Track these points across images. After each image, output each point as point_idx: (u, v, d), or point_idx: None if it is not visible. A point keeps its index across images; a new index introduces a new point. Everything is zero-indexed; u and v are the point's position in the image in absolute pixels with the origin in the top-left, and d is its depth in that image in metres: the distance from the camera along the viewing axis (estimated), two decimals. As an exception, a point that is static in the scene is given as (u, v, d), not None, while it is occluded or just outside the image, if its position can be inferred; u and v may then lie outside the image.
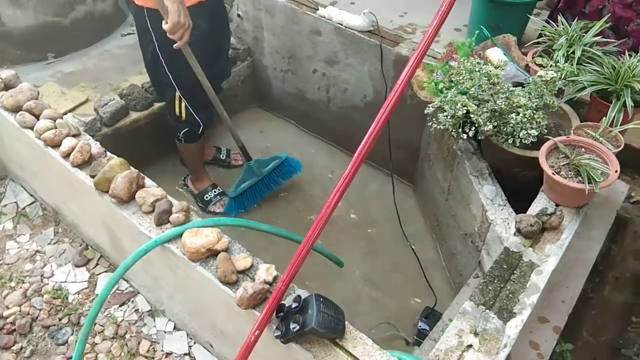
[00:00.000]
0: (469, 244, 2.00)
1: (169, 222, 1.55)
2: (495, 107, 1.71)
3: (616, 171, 1.53)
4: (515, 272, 1.47)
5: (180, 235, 1.50)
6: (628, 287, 2.09)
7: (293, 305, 1.26)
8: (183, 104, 2.22)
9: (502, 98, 1.72)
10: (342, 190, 1.21)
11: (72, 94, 2.59)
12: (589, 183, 1.50)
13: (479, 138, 1.78)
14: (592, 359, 1.86)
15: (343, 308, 1.31)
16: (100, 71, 2.90)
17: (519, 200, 1.80)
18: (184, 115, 2.26)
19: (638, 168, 2.31)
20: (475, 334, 1.32)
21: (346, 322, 1.30)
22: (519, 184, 1.87)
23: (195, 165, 2.62)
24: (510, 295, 1.40)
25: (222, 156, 2.85)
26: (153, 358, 1.78)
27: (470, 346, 1.29)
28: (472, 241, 1.96)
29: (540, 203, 1.65)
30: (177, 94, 2.19)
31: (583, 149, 1.63)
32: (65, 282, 2.01)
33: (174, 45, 1.87)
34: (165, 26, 1.82)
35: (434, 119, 1.85)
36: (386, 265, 2.38)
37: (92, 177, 1.69)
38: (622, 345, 1.88)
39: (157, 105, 2.58)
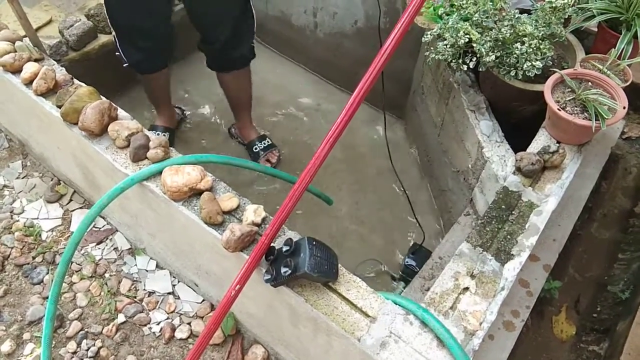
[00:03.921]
0: (460, 181, 1.94)
1: (147, 158, 1.43)
2: (499, 36, 1.58)
3: (624, 107, 1.45)
4: (513, 212, 1.42)
5: (159, 172, 1.39)
6: (615, 224, 2.09)
7: (284, 249, 1.19)
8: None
9: (507, 26, 1.59)
10: (338, 131, 1.10)
11: (34, 13, 2.36)
12: (595, 120, 1.42)
13: (480, 70, 1.66)
14: (577, 295, 1.88)
15: (329, 244, 1.24)
16: (63, -13, 2.62)
17: (515, 136, 1.72)
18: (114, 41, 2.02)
19: (630, 103, 2.25)
20: (472, 276, 1.28)
21: (339, 265, 1.24)
22: (516, 119, 1.79)
23: (151, 99, 2.37)
24: (509, 237, 1.36)
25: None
26: (135, 297, 1.72)
27: (466, 289, 1.25)
28: (465, 178, 1.90)
29: (542, 140, 1.57)
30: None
31: (590, 83, 1.53)
32: (37, 218, 1.89)
33: None
34: None
35: (431, 48, 1.72)
36: (374, 201, 2.33)
37: (59, 107, 1.54)
38: (608, 282, 1.90)
39: (128, 27, 2.36)
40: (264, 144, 2.43)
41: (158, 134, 2.29)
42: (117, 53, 2.05)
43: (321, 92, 2.76)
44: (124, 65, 2.07)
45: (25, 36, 2.19)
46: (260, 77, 2.80)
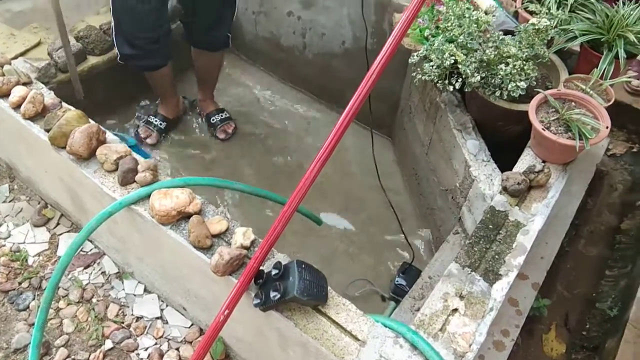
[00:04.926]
0: (449, 200, 1.96)
1: (135, 181, 1.42)
2: (484, 57, 1.61)
3: (607, 127, 1.48)
4: (501, 232, 1.43)
5: (147, 196, 1.38)
6: (602, 240, 2.10)
7: (273, 272, 1.18)
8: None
9: (491, 47, 1.62)
10: (328, 151, 1.11)
11: (23, 35, 2.36)
12: (579, 139, 1.44)
13: (466, 90, 1.69)
14: (565, 312, 1.89)
15: (319, 264, 1.24)
16: (52, 10, 2.63)
17: (501, 155, 1.74)
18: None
19: (614, 120, 2.29)
20: (461, 297, 1.28)
21: (329, 288, 1.24)
22: (502, 139, 1.81)
23: (154, 91, 2.52)
24: (496, 257, 1.36)
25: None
26: (122, 322, 1.70)
27: (455, 310, 1.25)
28: (453, 197, 1.91)
29: (527, 160, 1.59)
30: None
31: (573, 103, 1.56)
32: (24, 243, 1.87)
33: None
34: None
35: (418, 69, 1.74)
36: (363, 220, 2.33)
37: (47, 131, 1.53)
38: (596, 299, 1.90)
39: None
40: (221, 116, 2.60)
41: (155, 121, 2.51)
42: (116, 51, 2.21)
43: (311, 111, 2.78)
44: (118, 59, 2.22)
45: (14, 58, 2.20)
46: (251, 95, 2.83)
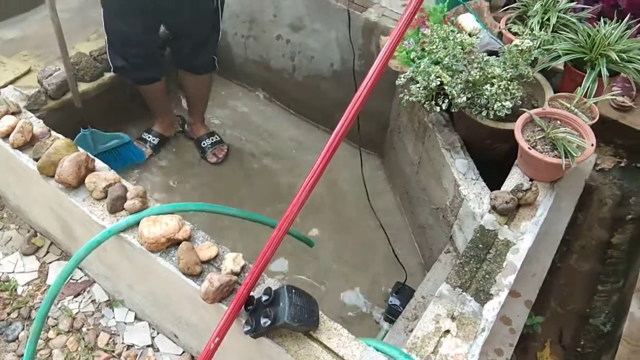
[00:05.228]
0: (440, 219, 1.96)
1: (124, 209, 1.42)
2: (470, 78, 1.63)
3: (592, 144, 1.49)
4: (490, 251, 1.43)
5: (136, 223, 1.38)
6: (594, 255, 2.11)
7: (263, 299, 1.18)
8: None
9: (476, 68, 1.64)
10: (318, 173, 1.12)
11: (13, 63, 2.37)
12: (565, 157, 1.45)
13: (452, 110, 1.71)
14: (559, 329, 1.88)
15: (312, 286, 1.24)
16: (43, 38, 2.64)
17: (490, 173, 1.76)
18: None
19: (603, 136, 2.32)
20: (453, 318, 1.28)
21: (320, 312, 1.23)
22: (490, 157, 1.83)
23: (150, 106, 2.53)
24: (487, 276, 1.37)
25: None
26: (113, 351, 1.68)
27: (447, 331, 1.25)
28: (444, 216, 1.92)
29: (515, 178, 1.61)
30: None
31: (559, 122, 1.58)
32: (13, 272, 1.85)
33: None
34: None
35: (405, 90, 1.76)
36: (355, 240, 2.33)
37: (36, 160, 1.53)
38: (590, 314, 1.90)
39: (107, 75, 2.39)
40: (212, 140, 2.59)
41: (149, 138, 2.52)
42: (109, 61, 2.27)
43: (301, 132, 2.79)
44: (112, 71, 2.28)
45: (4, 86, 2.21)
46: (241, 117, 2.84)
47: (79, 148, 1.57)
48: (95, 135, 2.23)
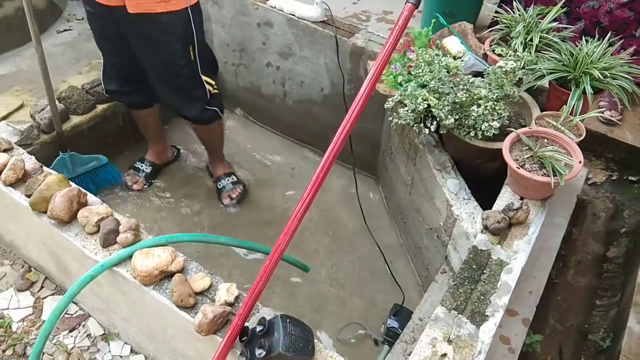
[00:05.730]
0: (434, 239, 1.97)
1: (117, 242, 1.42)
2: (456, 100, 1.65)
3: (580, 162, 1.51)
4: (485, 271, 1.43)
5: (130, 256, 1.38)
6: (590, 270, 2.11)
7: (258, 329, 1.17)
8: None
9: (462, 90, 1.67)
10: (309, 200, 1.13)
11: (5, 99, 2.39)
12: (554, 175, 1.47)
13: (441, 132, 1.73)
14: (559, 346, 1.87)
15: (309, 310, 1.24)
16: (35, 73, 2.64)
17: (482, 191, 1.77)
18: None
19: (593, 150, 2.34)
20: (449, 341, 1.27)
21: (315, 340, 1.23)
22: (481, 176, 1.84)
23: (143, 132, 2.55)
24: (482, 297, 1.36)
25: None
26: (110, 386, 1.66)
27: (444, 355, 1.24)
28: (438, 236, 1.92)
29: (505, 197, 1.62)
30: None
31: (546, 140, 1.60)
32: (8, 309, 1.84)
33: None
34: None
35: (394, 114, 1.78)
36: (352, 262, 2.32)
37: (28, 196, 1.54)
38: (588, 330, 1.90)
39: (100, 107, 2.42)
40: (229, 180, 2.56)
41: (142, 166, 2.53)
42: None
43: (294, 156, 2.81)
44: (104, 93, 2.33)
45: (-1, 121, 2.22)
46: (235, 143, 2.86)
47: (71, 184, 1.57)
48: (73, 158, 2.24)
